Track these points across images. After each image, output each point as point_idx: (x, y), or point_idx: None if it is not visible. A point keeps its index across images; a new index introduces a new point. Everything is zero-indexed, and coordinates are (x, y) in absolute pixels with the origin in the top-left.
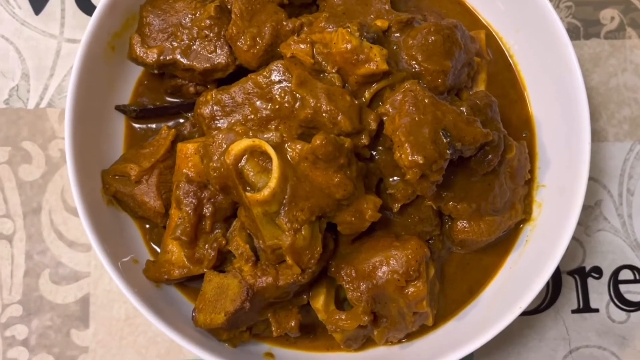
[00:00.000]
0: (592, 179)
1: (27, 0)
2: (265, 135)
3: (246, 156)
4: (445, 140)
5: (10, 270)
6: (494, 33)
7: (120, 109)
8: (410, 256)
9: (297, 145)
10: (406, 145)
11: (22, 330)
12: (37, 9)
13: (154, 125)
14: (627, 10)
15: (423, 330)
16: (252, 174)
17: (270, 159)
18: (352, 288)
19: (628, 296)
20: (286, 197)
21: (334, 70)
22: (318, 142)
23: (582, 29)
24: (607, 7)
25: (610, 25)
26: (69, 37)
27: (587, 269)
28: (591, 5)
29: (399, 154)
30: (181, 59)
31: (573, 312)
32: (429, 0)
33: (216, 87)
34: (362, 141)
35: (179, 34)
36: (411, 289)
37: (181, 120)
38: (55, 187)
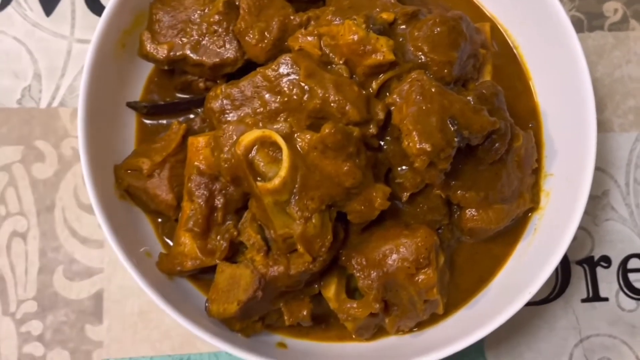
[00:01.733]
0: (599, 169)
1: (38, 3)
2: (275, 126)
3: (256, 147)
4: (452, 129)
5: (24, 267)
6: (498, 25)
7: (131, 105)
8: (420, 244)
9: (307, 135)
10: (414, 133)
11: (37, 325)
12: (48, 10)
13: (164, 121)
14: (631, 2)
15: (434, 318)
16: (262, 164)
17: (280, 149)
18: (362, 276)
19: (637, 285)
20: (296, 186)
21: (341, 62)
22: (327, 131)
23: (585, 21)
24: (611, 0)
25: (613, 18)
26: (79, 38)
27: (596, 258)
28: None
29: (407, 142)
30: (191, 55)
31: (583, 301)
32: None
33: (225, 81)
34: (371, 131)
35: (188, 30)
36: (421, 277)
37: (191, 116)
38: (67, 185)
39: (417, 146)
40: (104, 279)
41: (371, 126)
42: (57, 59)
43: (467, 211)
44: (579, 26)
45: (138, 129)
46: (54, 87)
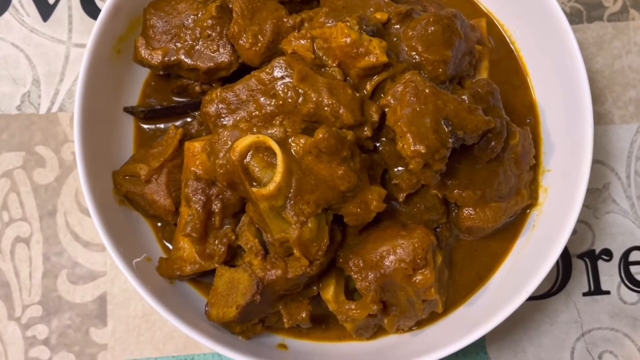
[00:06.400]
0: (599, 162)
1: (35, 8)
2: (269, 131)
3: (251, 152)
4: (447, 129)
5: (29, 272)
6: (494, 20)
7: (128, 110)
8: (416, 244)
9: (301, 140)
10: (408, 135)
11: (42, 330)
12: (45, 15)
13: (162, 125)
14: None
15: (433, 317)
16: (257, 169)
17: (274, 154)
18: (360, 278)
19: (639, 277)
20: (291, 190)
21: (334, 64)
22: (320, 135)
23: (585, 12)
24: None
25: (613, 8)
26: (77, 42)
27: (597, 251)
28: None
29: (401, 145)
30: (185, 60)
31: (584, 294)
32: None
33: (221, 85)
34: (365, 133)
35: (182, 34)
36: (419, 277)
37: (189, 119)
38: (69, 190)
39: (412, 148)
40: (107, 282)
41: (365, 128)
42: (55, 64)
43: (464, 210)
44: (578, 17)
45: (136, 133)
46: (53, 92)
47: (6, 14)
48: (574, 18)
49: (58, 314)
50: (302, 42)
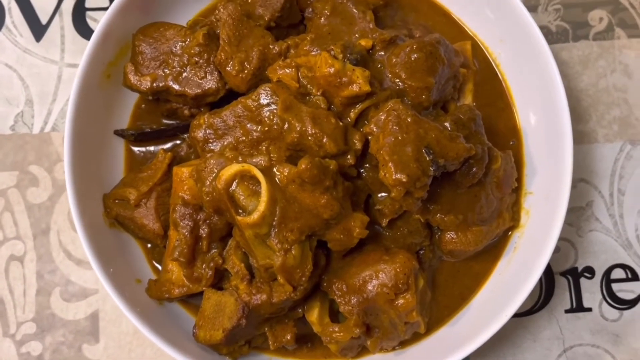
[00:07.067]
0: (583, 180)
1: (28, 28)
2: (254, 160)
3: (236, 180)
4: (428, 158)
5: (23, 290)
6: (479, 43)
7: (119, 133)
8: (398, 269)
9: (285, 169)
10: (390, 164)
11: (36, 346)
12: (38, 36)
13: (152, 148)
14: (616, 10)
15: (416, 337)
16: (242, 197)
17: (259, 182)
18: (343, 302)
19: (620, 294)
20: (276, 218)
21: (319, 93)
22: (303, 166)
23: (570, 31)
24: (596, 8)
25: (599, 27)
26: (70, 62)
27: (580, 269)
28: (580, 7)
29: (383, 173)
30: (173, 86)
31: (566, 312)
32: (415, 14)
33: (209, 109)
34: (348, 161)
35: (170, 61)
36: (401, 301)
37: (178, 142)
38: (62, 208)
39: (393, 177)
40: (99, 300)
41: (349, 156)
42: (48, 84)
43: (446, 234)
44: (564, 35)
45: (126, 156)
46: (46, 112)
47: None
48: (559, 37)
49: (51, 331)
50: (287, 70)
